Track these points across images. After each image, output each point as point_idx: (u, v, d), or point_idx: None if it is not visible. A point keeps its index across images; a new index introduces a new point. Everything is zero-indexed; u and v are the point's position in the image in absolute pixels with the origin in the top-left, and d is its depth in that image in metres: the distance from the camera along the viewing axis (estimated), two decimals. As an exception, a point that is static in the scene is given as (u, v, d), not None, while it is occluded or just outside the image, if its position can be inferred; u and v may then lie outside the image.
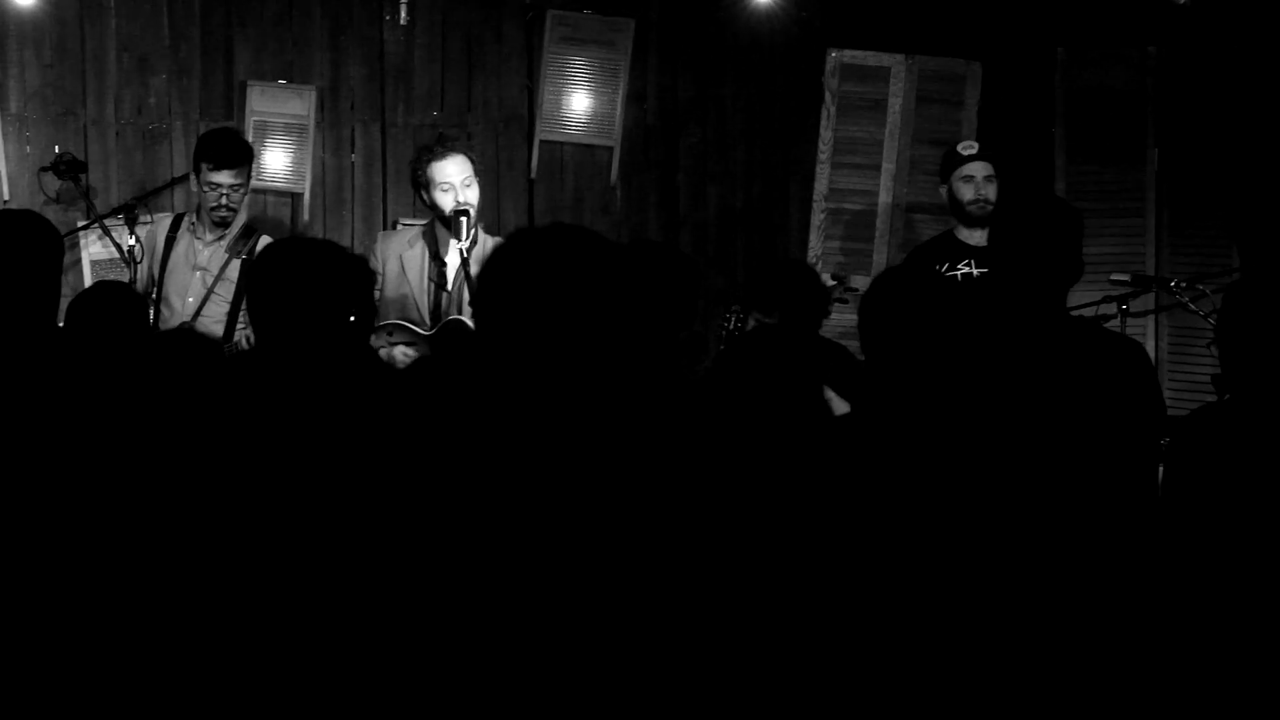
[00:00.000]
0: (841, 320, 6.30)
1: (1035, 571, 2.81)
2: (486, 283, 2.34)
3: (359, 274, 3.96)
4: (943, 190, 5.62)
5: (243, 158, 5.53)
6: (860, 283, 6.28)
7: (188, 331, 4.84)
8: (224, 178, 5.47)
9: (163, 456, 2.96)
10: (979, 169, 5.50)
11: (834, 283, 5.81)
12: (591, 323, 2.26)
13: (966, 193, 5.48)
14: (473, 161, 5.28)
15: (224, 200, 5.50)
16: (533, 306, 2.25)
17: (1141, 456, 3.33)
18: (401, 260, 5.33)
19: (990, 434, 3.03)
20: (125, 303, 4.44)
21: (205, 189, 5.54)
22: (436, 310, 5.30)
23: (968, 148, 5.59)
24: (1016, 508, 2.88)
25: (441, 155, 5.25)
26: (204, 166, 5.52)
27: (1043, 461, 3.08)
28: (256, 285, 3.65)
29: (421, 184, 5.28)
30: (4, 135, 6.27)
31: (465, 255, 5.19)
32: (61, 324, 4.32)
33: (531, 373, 2.23)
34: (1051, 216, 3.58)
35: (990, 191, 5.47)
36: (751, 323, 5.27)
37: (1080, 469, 3.16)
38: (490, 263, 2.39)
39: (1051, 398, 3.27)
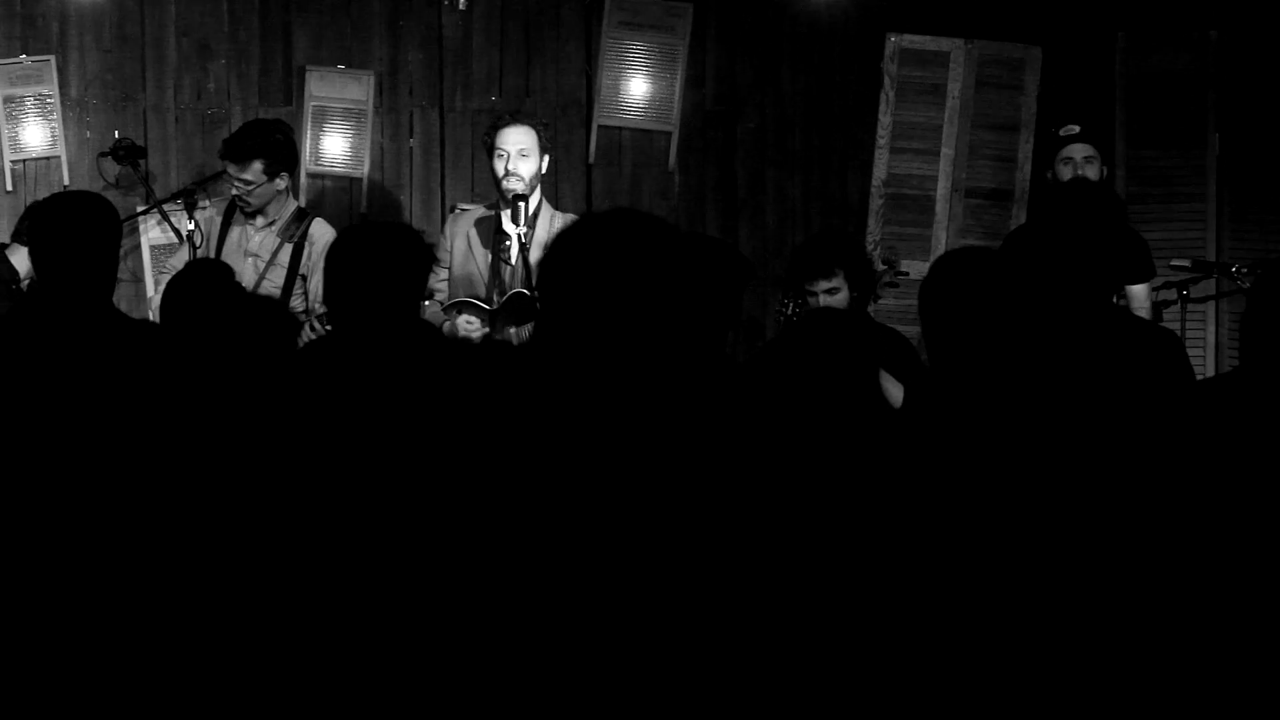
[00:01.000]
0: (892, 304, 6.30)
1: (1075, 563, 2.79)
2: (548, 268, 2.33)
3: (428, 257, 3.97)
4: (1049, 175, 5.58)
5: (244, 154, 5.49)
6: (915, 268, 6.29)
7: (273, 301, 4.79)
8: (230, 169, 5.52)
9: (244, 435, 2.96)
10: (1078, 151, 5.46)
11: (884, 267, 5.79)
12: (651, 308, 2.25)
13: (1065, 174, 5.45)
14: (541, 136, 5.29)
15: (240, 190, 5.52)
16: (592, 291, 2.24)
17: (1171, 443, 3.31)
18: (469, 239, 5.38)
19: (1040, 423, 3.01)
20: (223, 279, 4.49)
21: (225, 177, 5.61)
22: (499, 284, 5.32)
23: (1067, 130, 5.56)
24: (1061, 497, 2.86)
25: (507, 123, 5.31)
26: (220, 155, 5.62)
27: (1084, 450, 3.06)
28: (333, 268, 3.67)
29: (487, 151, 5.35)
30: (64, 120, 6.29)
31: (523, 239, 5.20)
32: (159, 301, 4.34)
33: (589, 357, 2.22)
34: (1092, 204, 3.59)
35: (1091, 171, 5.44)
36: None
37: (1117, 459, 3.13)
38: (552, 248, 2.39)
39: (1091, 388, 3.25)
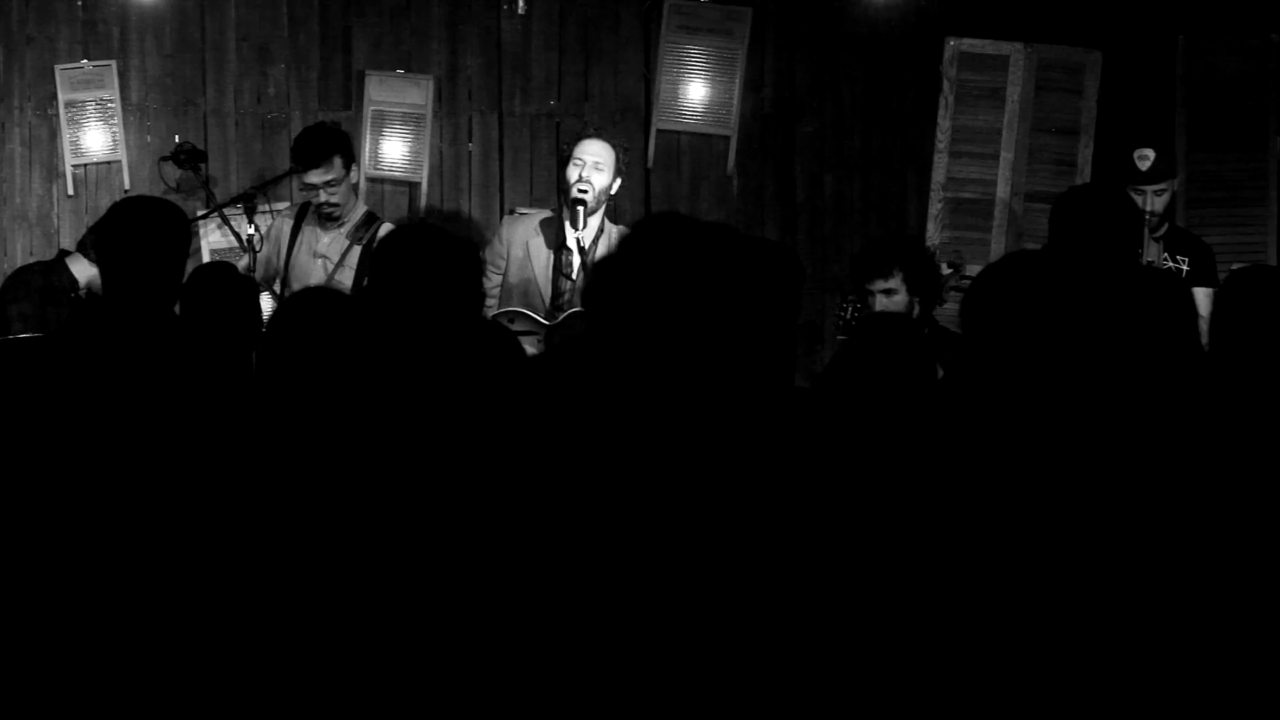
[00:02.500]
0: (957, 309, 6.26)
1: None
2: (599, 278, 2.30)
3: (473, 261, 3.97)
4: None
5: (324, 153, 5.49)
6: (970, 271, 6.27)
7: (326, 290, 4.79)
8: (313, 177, 5.50)
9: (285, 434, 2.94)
10: (1150, 187, 5.47)
11: (949, 270, 5.77)
12: (708, 316, 2.22)
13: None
14: (619, 157, 5.28)
15: (323, 198, 5.52)
16: (647, 299, 2.20)
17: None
18: (527, 246, 5.34)
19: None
20: (236, 282, 4.47)
21: (306, 190, 5.59)
22: (558, 299, 5.30)
23: (1142, 159, 5.54)
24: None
25: (589, 135, 5.35)
26: (296, 169, 5.57)
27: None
28: (376, 271, 3.68)
29: (564, 159, 5.35)
30: (125, 125, 6.31)
31: (583, 245, 5.20)
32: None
33: (645, 368, 2.19)
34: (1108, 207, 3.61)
35: (1158, 205, 5.44)
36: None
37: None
38: (603, 258, 2.36)
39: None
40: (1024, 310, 3.03)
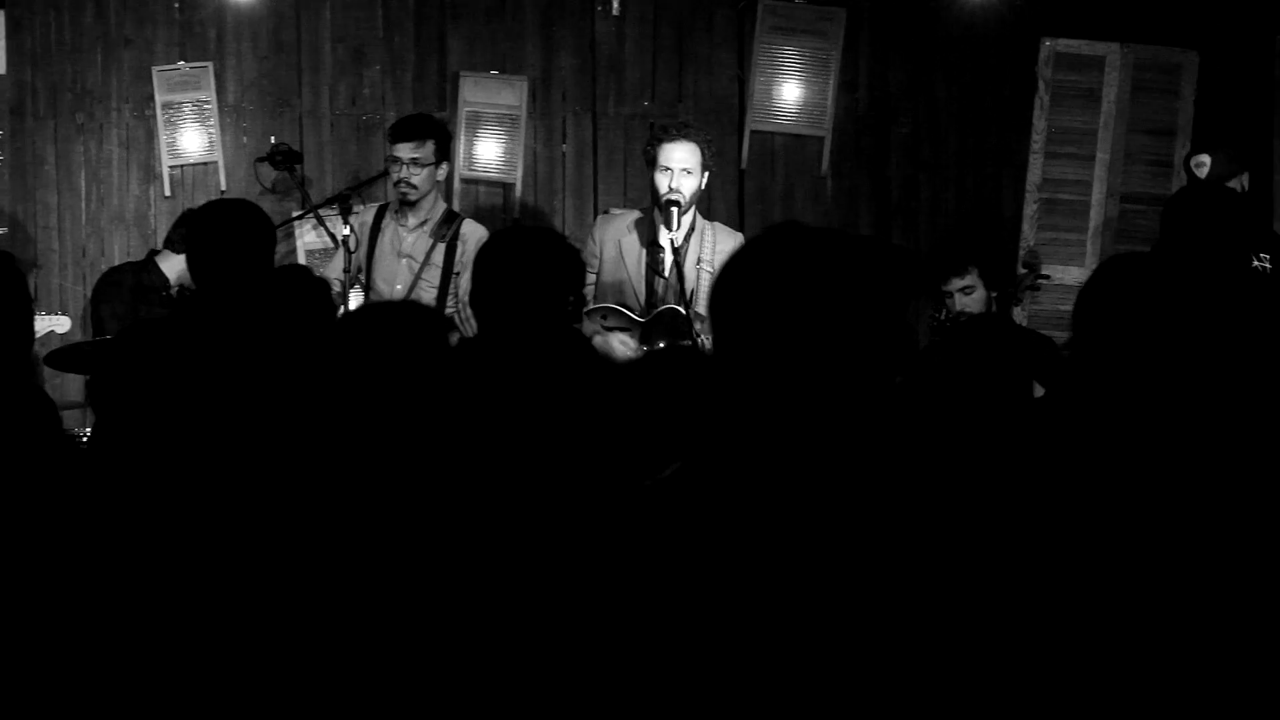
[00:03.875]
0: (1044, 308, 6.25)
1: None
2: (724, 288, 2.26)
3: (575, 263, 3.97)
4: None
5: (420, 132, 5.49)
6: (1069, 274, 6.24)
7: (411, 303, 4.81)
8: (403, 151, 5.47)
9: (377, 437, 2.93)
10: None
11: (1025, 270, 5.74)
12: (844, 325, 2.18)
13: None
14: (704, 153, 5.24)
15: (404, 174, 5.49)
16: (780, 311, 2.16)
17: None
18: (620, 245, 5.33)
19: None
20: (310, 286, 4.47)
21: (390, 165, 5.57)
22: (651, 297, 5.29)
23: (1199, 166, 5.56)
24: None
25: (672, 138, 5.21)
26: (388, 142, 5.58)
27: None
28: (480, 273, 3.68)
29: (648, 161, 5.28)
30: (221, 126, 6.33)
31: (676, 246, 5.19)
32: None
33: (777, 377, 2.15)
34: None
35: None
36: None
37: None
38: (730, 269, 2.32)
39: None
40: (1137, 314, 3.00)
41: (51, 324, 5.74)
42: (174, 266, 5.90)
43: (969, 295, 5.21)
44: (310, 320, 4.34)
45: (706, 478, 2.11)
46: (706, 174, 5.28)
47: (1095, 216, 6.50)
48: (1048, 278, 5.82)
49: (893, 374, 2.60)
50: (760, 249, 2.22)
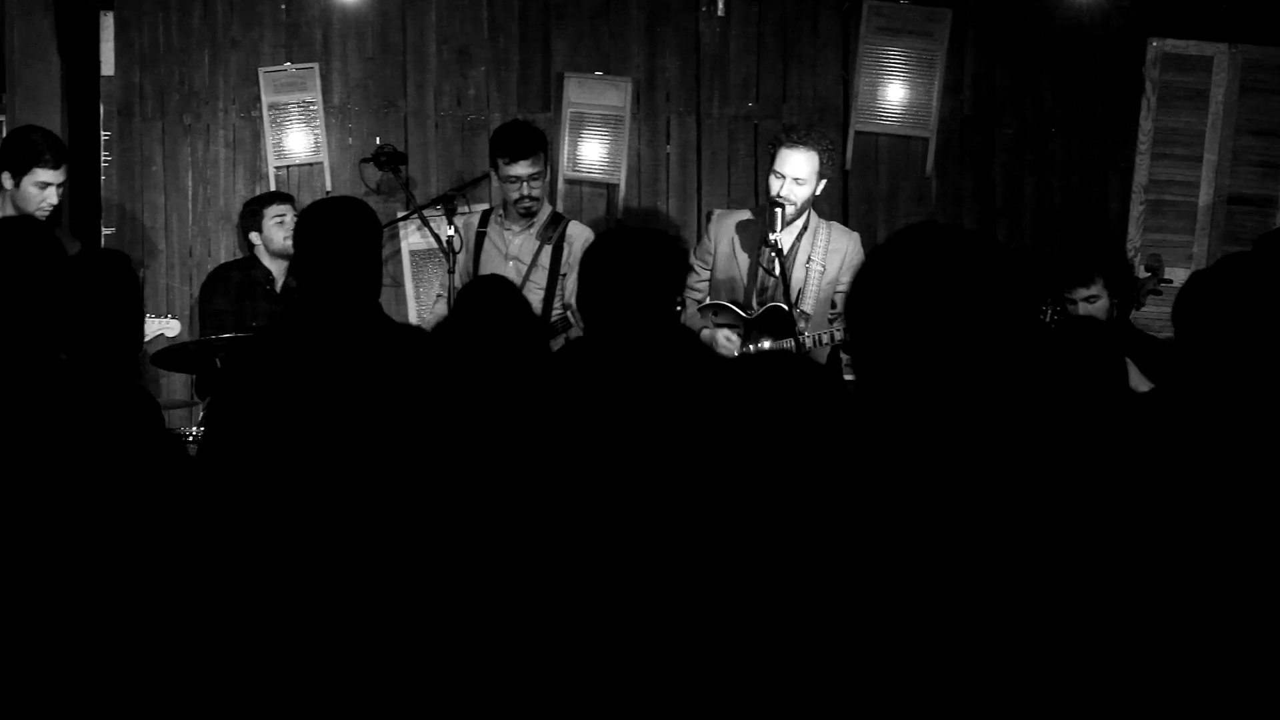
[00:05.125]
0: (1154, 311, 6.19)
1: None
2: (863, 289, 2.23)
3: (682, 264, 3.96)
4: None
5: (535, 146, 5.54)
6: (1176, 275, 6.19)
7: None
8: (520, 169, 5.50)
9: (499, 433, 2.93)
10: None
11: (1147, 274, 5.71)
12: (985, 327, 2.16)
13: None
14: (823, 161, 5.24)
15: (524, 191, 5.53)
16: (925, 312, 2.13)
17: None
18: (734, 243, 5.36)
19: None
20: (507, 295, 4.47)
21: (506, 183, 5.58)
22: (760, 295, 5.31)
23: None
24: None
25: (791, 144, 5.23)
26: (500, 161, 5.57)
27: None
28: (587, 274, 3.68)
29: (770, 158, 5.30)
30: (327, 127, 6.36)
31: (786, 246, 5.19)
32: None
33: (922, 382, 2.12)
34: None
35: None
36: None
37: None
38: (871, 267, 2.30)
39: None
40: (1240, 315, 2.97)
41: (162, 327, 5.78)
42: (280, 265, 5.95)
43: (1094, 304, 5.18)
44: (515, 335, 4.37)
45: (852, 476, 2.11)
46: (824, 180, 5.28)
47: (1202, 218, 6.45)
48: (1169, 281, 5.78)
49: (1020, 375, 2.58)
50: (903, 250, 2.21)
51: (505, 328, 4.26)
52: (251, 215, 6.04)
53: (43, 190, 5.40)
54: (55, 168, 5.41)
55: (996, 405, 2.16)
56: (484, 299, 4.35)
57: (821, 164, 5.23)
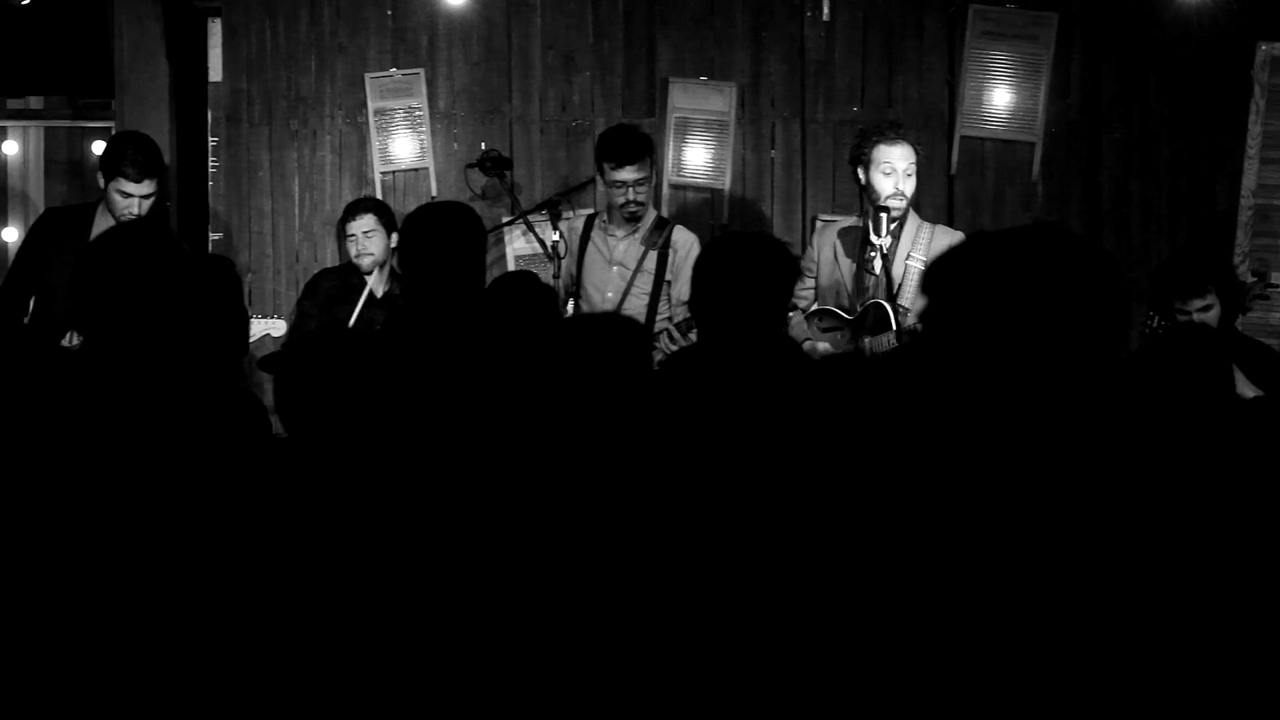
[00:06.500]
0: (1260, 316, 6.16)
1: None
2: (943, 281, 2.21)
3: (794, 270, 3.95)
4: None
5: (642, 151, 5.54)
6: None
7: (613, 315, 4.84)
8: (627, 174, 5.50)
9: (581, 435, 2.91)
10: None
11: (1254, 279, 5.69)
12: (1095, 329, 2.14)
13: None
14: (918, 154, 5.25)
15: (631, 196, 5.53)
16: (1018, 314, 2.11)
17: None
18: (835, 250, 5.36)
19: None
20: (536, 290, 4.47)
21: (612, 188, 5.58)
22: (862, 295, 5.31)
23: None
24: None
25: (891, 139, 5.23)
26: (606, 166, 5.56)
27: None
28: (702, 279, 3.68)
29: (863, 162, 5.27)
30: (432, 132, 6.38)
31: (884, 251, 5.17)
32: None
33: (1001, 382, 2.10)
34: None
35: None
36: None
37: None
38: (944, 265, 2.28)
39: None
40: None
41: (267, 327, 5.80)
42: (378, 278, 5.95)
43: (1207, 313, 5.15)
44: (535, 326, 4.36)
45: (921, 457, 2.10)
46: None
47: (1311, 223, 6.40)
48: (1277, 286, 5.75)
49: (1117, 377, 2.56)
50: (1006, 238, 2.20)
51: (526, 321, 4.27)
52: (339, 226, 6.08)
53: (125, 199, 5.40)
54: (137, 181, 5.39)
55: (1085, 404, 2.16)
56: (507, 295, 4.37)
57: (918, 157, 5.26)
